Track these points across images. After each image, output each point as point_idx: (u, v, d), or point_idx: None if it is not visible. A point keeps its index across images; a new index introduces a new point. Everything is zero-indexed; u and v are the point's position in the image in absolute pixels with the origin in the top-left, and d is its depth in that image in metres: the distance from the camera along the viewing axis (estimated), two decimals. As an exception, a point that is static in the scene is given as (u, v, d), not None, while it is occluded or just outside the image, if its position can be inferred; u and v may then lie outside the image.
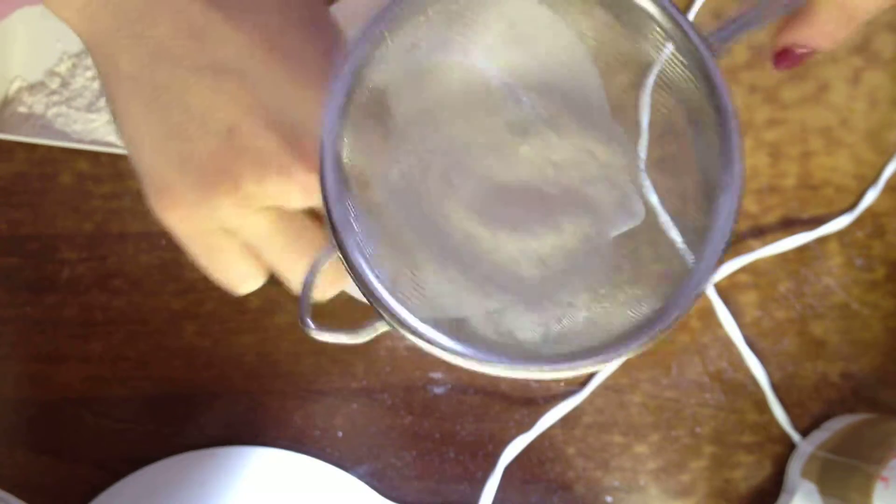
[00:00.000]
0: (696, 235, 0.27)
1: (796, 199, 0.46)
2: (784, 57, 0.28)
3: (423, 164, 0.30)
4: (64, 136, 0.44)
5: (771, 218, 0.46)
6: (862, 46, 0.46)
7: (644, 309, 0.27)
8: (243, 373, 0.46)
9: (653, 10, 0.26)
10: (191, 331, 0.46)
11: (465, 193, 0.30)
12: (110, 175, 0.46)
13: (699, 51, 0.26)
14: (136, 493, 0.44)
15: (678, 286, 0.26)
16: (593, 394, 0.46)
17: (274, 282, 0.46)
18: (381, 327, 0.25)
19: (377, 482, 0.46)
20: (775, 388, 0.46)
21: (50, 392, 0.46)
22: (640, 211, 0.29)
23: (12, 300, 0.46)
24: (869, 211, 0.46)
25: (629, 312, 0.27)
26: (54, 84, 0.44)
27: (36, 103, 0.44)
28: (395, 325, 0.25)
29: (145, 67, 0.29)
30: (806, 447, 0.45)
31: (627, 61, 0.29)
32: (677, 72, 0.27)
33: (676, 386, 0.46)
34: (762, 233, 0.46)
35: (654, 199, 0.29)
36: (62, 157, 0.46)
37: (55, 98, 0.44)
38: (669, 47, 0.27)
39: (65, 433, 0.46)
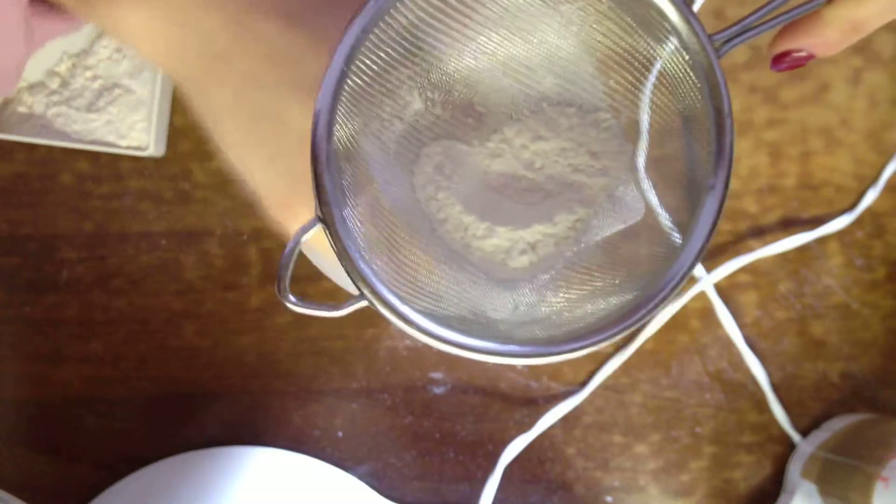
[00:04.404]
0: (679, 232, 0.27)
1: (796, 199, 0.46)
2: (782, 60, 0.28)
3: (416, 150, 0.31)
4: (64, 136, 0.44)
5: (771, 218, 0.46)
6: (862, 46, 0.46)
7: (618, 300, 0.27)
8: (243, 373, 0.46)
9: (661, 3, 0.26)
10: (191, 331, 0.46)
11: (458, 180, 0.30)
12: (110, 175, 0.46)
13: (704, 49, 0.26)
14: (136, 493, 0.44)
15: (653, 283, 0.26)
16: (593, 394, 0.46)
17: (274, 281, 0.46)
18: (360, 303, 0.26)
19: (377, 482, 0.46)
20: (775, 388, 0.46)
21: (50, 392, 0.46)
22: (640, 208, 0.29)
23: (12, 300, 0.46)
24: (869, 211, 0.46)
25: (604, 302, 0.27)
26: (54, 84, 0.44)
27: (36, 103, 0.44)
28: (374, 301, 0.25)
29: (239, 98, 0.31)
30: (806, 447, 0.45)
31: (628, 54, 0.29)
32: (678, 68, 0.27)
33: (676, 386, 0.46)
34: (762, 233, 0.46)
35: (644, 192, 0.29)
36: (62, 157, 0.46)
37: (55, 98, 0.44)
38: (673, 42, 0.27)
39: (65, 433, 0.46)
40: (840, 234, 0.46)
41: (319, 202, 0.25)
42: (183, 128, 0.45)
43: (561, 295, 0.29)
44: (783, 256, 0.46)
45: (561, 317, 0.28)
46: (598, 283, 0.28)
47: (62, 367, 0.46)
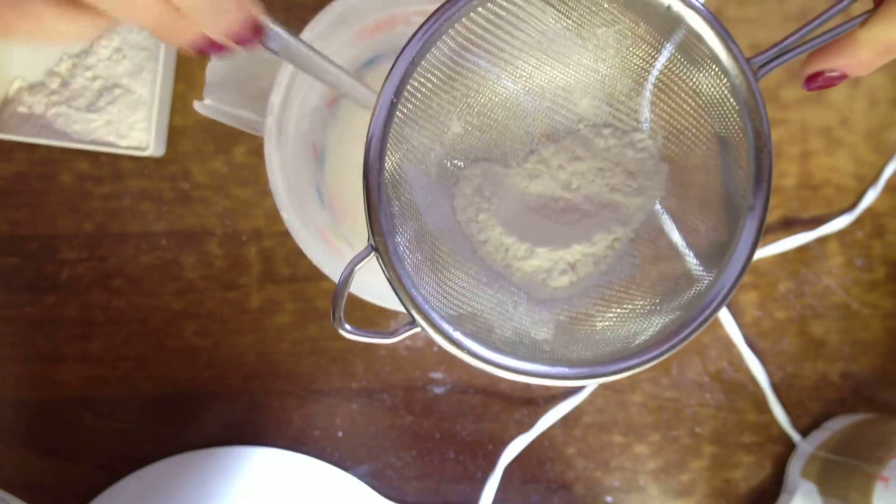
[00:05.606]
0: (719, 252, 0.27)
1: (796, 199, 0.46)
2: (815, 79, 0.29)
3: (456, 172, 0.31)
4: (64, 136, 0.44)
5: (771, 218, 0.46)
6: (862, 46, 0.46)
7: (660, 319, 0.27)
8: (243, 373, 0.46)
9: (700, 28, 0.26)
10: (191, 331, 0.46)
11: (497, 202, 0.30)
12: (110, 175, 0.46)
13: (743, 72, 0.26)
14: (136, 493, 0.44)
15: (695, 301, 0.26)
16: (593, 394, 0.46)
17: (274, 281, 0.46)
18: (413, 329, 0.26)
19: (377, 482, 0.46)
20: (775, 388, 0.46)
21: (50, 392, 0.46)
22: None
23: (12, 300, 0.46)
24: (869, 211, 0.46)
25: (646, 322, 0.27)
26: (54, 84, 0.44)
27: (36, 103, 0.44)
28: (426, 327, 0.26)
29: None
30: (806, 447, 0.45)
31: (665, 76, 0.29)
32: (717, 91, 0.27)
33: (676, 386, 0.46)
34: (762, 233, 0.46)
35: (679, 215, 0.30)
36: (62, 157, 0.46)
37: (55, 98, 0.44)
38: (713, 66, 0.27)
39: (65, 433, 0.46)
40: (840, 234, 0.46)
41: (373, 231, 0.26)
42: (183, 128, 0.45)
43: (602, 314, 0.29)
44: (783, 256, 0.46)
45: (604, 336, 0.28)
46: (639, 303, 0.29)
47: (62, 367, 0.46)
